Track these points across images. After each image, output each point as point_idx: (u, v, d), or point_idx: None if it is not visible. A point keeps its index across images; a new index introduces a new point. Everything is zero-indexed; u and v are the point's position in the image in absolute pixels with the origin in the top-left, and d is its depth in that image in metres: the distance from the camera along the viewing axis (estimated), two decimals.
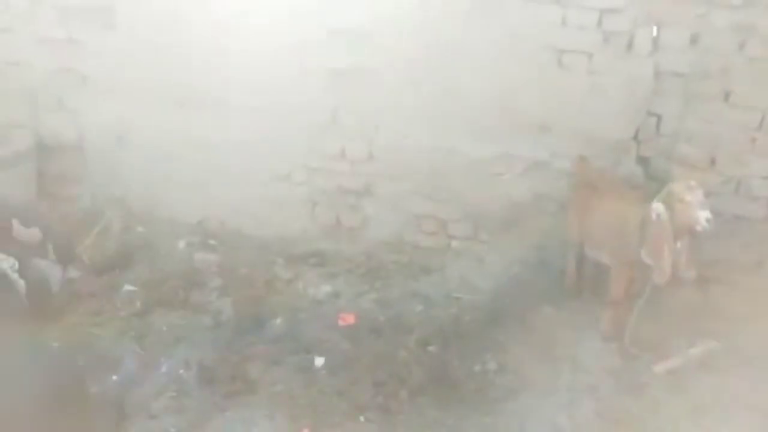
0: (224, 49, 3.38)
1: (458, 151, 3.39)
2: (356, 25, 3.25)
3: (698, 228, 2.38)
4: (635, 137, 3.26)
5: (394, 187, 3.53)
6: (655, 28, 3.00)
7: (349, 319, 2.95)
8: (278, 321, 3.02)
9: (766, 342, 2.82)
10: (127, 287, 3.22)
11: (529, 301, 3.20)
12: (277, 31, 3.30)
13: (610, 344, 2.90)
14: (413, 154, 3.44)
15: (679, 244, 2.51)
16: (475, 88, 3.25)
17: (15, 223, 2.72)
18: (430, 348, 2.89)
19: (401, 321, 3.04)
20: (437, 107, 3.34)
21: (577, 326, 3.04)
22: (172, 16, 3.41)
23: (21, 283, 2.63)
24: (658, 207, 2.43)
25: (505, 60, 3.18)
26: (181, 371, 2.67)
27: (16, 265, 2.63)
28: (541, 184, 3.36)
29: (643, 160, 3.32)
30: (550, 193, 3.37)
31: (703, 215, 2.34)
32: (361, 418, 2.54)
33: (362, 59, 3.32)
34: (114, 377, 2.63)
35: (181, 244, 3.61)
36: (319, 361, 2.77)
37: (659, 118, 3.21)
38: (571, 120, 3.23)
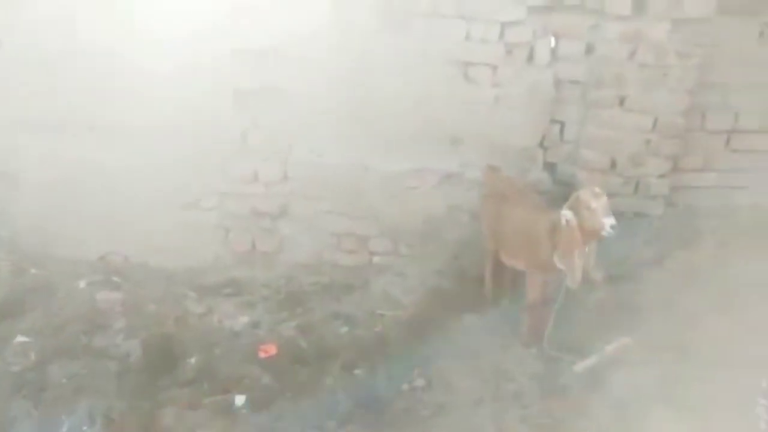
0: (123, 68, 3.15)
1: (373, 167, 3.36)
2: (264, 44, 3.14)
3: (603, 233, 2.46)
4: (541, 144, 3.37)
5: (311, 207, 3.45)
6: (552, 40, 3.11)
7: (269, 350, 2.82)
8: (192, 360, 2.84)
9: (673, 334, 2.98)
10: (20, 338, 2.92)
11: (452, 311, 3.21)
12: (181, 49, 3.11)
13: (531, 349, 2.96)
14: (328, 173, 3.37)
15: (587, 248, 2.59)
16: (387, 105, 3.23)
17: None
18: (357, 371, 2.82)
19: (325, 346, 2.95)
20: (350, 124, 3.29)
21: (498, 333, 3.08)
22: (61, 32, 3.10)
23: None
24: (567, 213, 2.50)
25: (415, 75, 3.19)
26: (85, 428, 2.44)
27: None
28: (455, 195, 3.40)
29: (549, 166, 3.44)
30: (463, 204, 3.41)
31: (608, 221, 2.43)
32: None
33: (272, 78, 3.21)
34: None
35: (82, 283, 3.33)
36: (240, 399, 2.63)
37: (562, 125, 3.33)
38: (479, 131, 3.28)
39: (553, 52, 3.13)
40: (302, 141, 3.35)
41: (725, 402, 2.52)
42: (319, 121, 3.28)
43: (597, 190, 2.51)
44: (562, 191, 3.48)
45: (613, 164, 3.27)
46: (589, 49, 3.12)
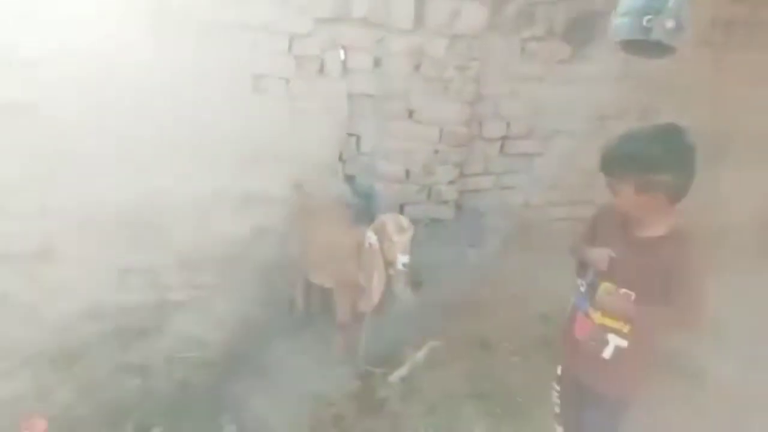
0: None
1: (164, 191, 2.97)
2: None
3: (398, 267, 2.42)
4: (340, 158, 3.34)
5: (83, 242, 2.92)
6: (342, 52, 3.09)
7: (36, 426, 2.27)
8: None
9: (474, 329, 3.18)
10: None
11: (264, 341, 3.01)
12: None
13: (346, 367, 2.90)
14: (105, 201, 2.89)
15: (392, 271, 2.53)
16: (176, 123, 2.89)
17: None
18: (155, 431, 2.44)
19: (113, 407, 2.50)
20: (130, 147, 2.86)
21: (315, 356, 2.97)
22: None
23: None
24: (371, 237, 2.46)
25: (205, 90, 2.90)
26: None
27: None
28: (259, 216, 3.18)
29: (349, 179, 3.43)
30: (269, 224, 3.22)
31: (402, 259, 2.39)
32: None
33: (28, 95, 2.64)
34: None
35: None
36: None
37: (358, 137, 3.34)
38: (279, 147, 3.12)
39: (344, 65, 3.11)
40: (68, 168, 2.81)
41: (528, 390, 2.76)
42: (90, 145, 2.79)
43: (404, 223, 2.47)
44: (364, 203, 3.52)
45: (408, 174, 3.39)
46: (377, 63, 3.17)
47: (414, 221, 3.43)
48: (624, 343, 1.78)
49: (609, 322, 1.79)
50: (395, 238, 2.41)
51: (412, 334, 3.09)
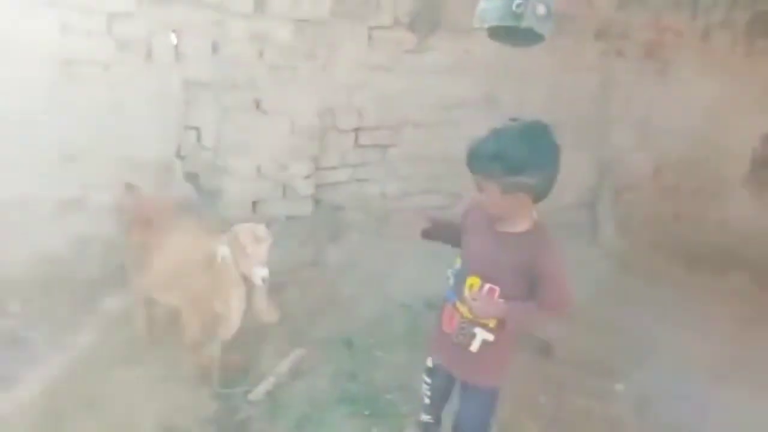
0: None
1: None
2: None
3: (255, 282, 2.18)
4: (178, 154, 2.98)
5: None
6: (173, 36, 2.74)
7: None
8: None
9: (341, 330, 3.06)
10: None
11: (96, 371, 2.58)
12: None
13: (201, 390, 2.60)
14: None
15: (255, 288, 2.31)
16: None
17: None
18: None
19: None
20: None
21: (163, 382, 2.62)
22: None
23: None
24: (222, 251, 2.18)
25: (5, 79, 2.39)
26: None
27: None
28: (80, 225, 2.73)
29: (192, 177, 3.09)
30: (93, 234, 2.77)
31: (260, 273, 2.14)
32: None
33: None
34: None
35: None
36: None
37: (198, 130, 3.01)
38: (100, 144, 2.70)
39: (176, 49, 2.76)
40: None
41: (395, 385, 2.70)
42: None
43: (260, 233, 2.19)
44: (211, 203, 3.20)
45: (259, 169, 3.14)
46: (215, 48, 2.87)
47: (269, 220, 3.25)
48: (491, 337, 1.77)
49: (476, 317, 1.76)
50: (250, 250, 2.15)
51: (272, 344, 2.88)
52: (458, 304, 1.80)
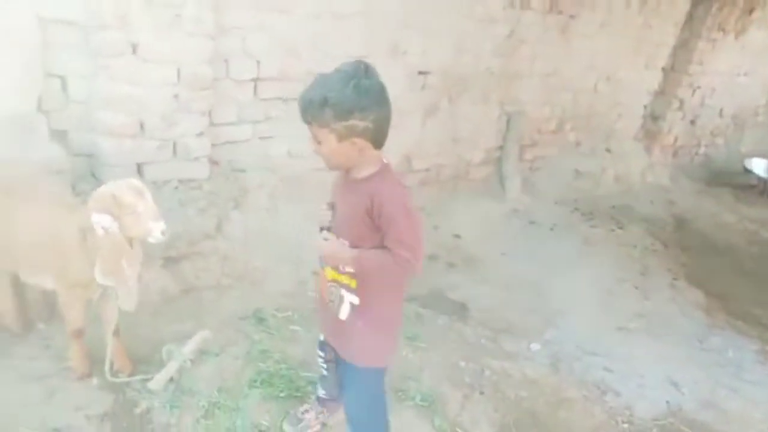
0: None
1: None
2: None
3: (151, 240, 1.91)
4: (40, 108, 2.48)
5: None
6: None
7: None
8: None
9: (246, 307, 2.76)
10: None
11: None
12: None
13: (90, 382, 2.23)
14: None
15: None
16: None
17: None
18: None
19: None
20: None
21: (42, 376, 2.22)
22: None
23: None
24: (103, 219, 1.81)
25: None
26: None
27: None
28: None
29: (59, 136, 2.60)
30: None
31: (158, 227, 1.88)
32: None
33: None
34: None
35: None
36: None
37: (63, 79, 2.52)
38: None
39: None
40: None
41: (313, 361, 2.47)
42: None
43: (138, 185, 1.88)
44: (87, 166, 2.73)
45: (142, 126, 2.70)
46: None
47: (159, 185, 2.84)
48: (356, 300, 1.71)
49: (339, 277, 1.71)
50: (140, 207, 1.84)
51: (173, 325, 2.53)
52: (324, 270, 1.77)
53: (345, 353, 1.83)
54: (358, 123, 1.49)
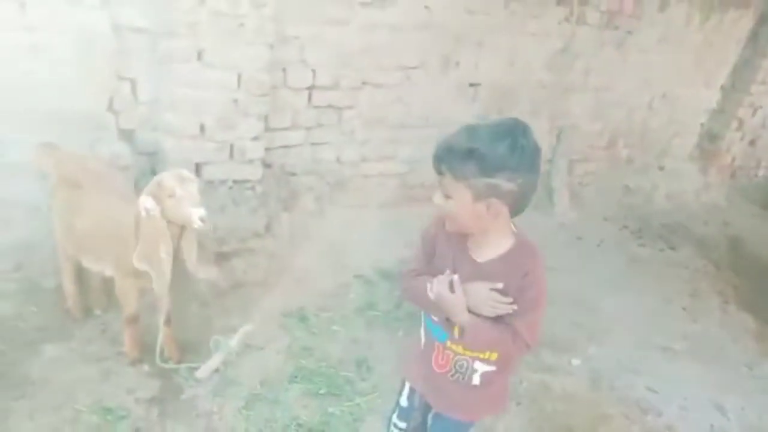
0: None
1: None
2: None
3: (194, 227, 2.00)
4: (110, 108, 2.67)
5: None
6: None
7: None
8: None
9: (290, 304, 2.86)
10: None
11: (27, 347, 2.32)
12: None
13: (142, 367, 2.37)
14: None
15: (183, 242, 2.10)
16: None
17: None
18: None
19: None
20: None
21: (97, 358, 2.38)
22: None
23: None
24: (146, 201, 1.94)
25: None
26: None
27: None
28: None
29: (126, 135, 2.79)
30: (14, 196, 2.45)
31: (197, 213, 1.96)
32: None
33: None
34: None
35: None
36: None
37: (133, 82, 2.70)
38: (13, 94, 2.34)
39: None
40: None
41: (353, 361, 2.54)
42: None
43: (184, 174, 2.01)
44: (149, 163, 2.90)
45: (202, 128, 2.86)
46: None
47: (215, 184, 2.98)
48: (493, 368, 1.56)
49: (479, 354, 1.55)
50: (178, 192, 1.94)
51: (221, 318, 2.66)
52: (448, 344, 1.57)
53: (446, 408, 1.68)
54: (504, 183, 1.30)
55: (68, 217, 2.26)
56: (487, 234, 1.42)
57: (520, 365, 2.81)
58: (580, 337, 3.21)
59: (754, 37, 5.41)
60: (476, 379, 1.57)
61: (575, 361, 2.99)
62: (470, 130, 1.34)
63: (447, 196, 1.38)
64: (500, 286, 1.41)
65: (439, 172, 1.37)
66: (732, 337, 3.50)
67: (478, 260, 1.45)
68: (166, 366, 2.36)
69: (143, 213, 1.94)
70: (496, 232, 1.42)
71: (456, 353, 1.56)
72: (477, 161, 1.30)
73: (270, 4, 2.77)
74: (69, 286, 2.48)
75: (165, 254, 2.02)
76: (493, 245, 1.43)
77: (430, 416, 1.78)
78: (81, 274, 2.47)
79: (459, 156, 1.32)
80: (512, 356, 1.52)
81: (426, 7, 3.49)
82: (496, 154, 1.29)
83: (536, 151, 1.34)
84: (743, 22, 5.32)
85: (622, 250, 4.43)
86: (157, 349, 2.32)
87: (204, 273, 2.20)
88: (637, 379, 2.93)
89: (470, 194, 1.33)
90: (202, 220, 1.96)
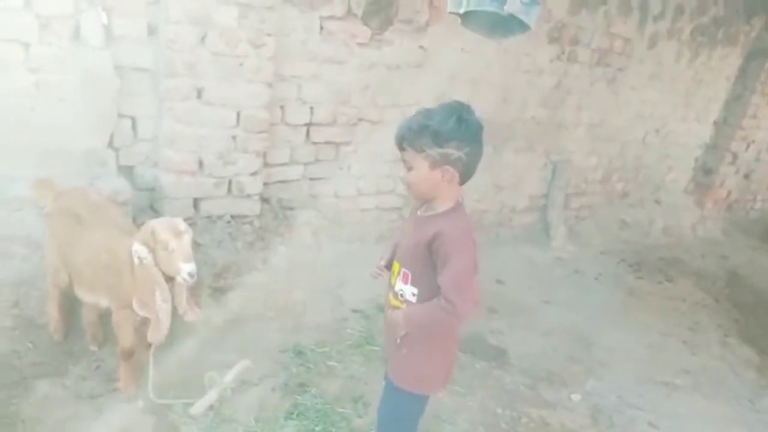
0: None
1: None
2: None
3: (179, 280, 2.02)
4: (111, 145, 2.72)
5: None
6: (104, 15, 2.49)
7: None
8: None
9: (286, 339, 2.85)
10: None
11: (19, 383, 2.29)
12: None
13: (136, 403, 2.34)
14: None
15: (173, 287, 2.11)
16: None
17: None
18: None
19: None
20: None
21: (89, 394, 2.35)
22: None
23: None
24: (139, 250, 1.96)
25: None
26: None
27: None
28: None
29: (126, 171, 2.83)
30: (14, 232, 2.47)
31: (186, 268, 1.97)
32: None
33: None
34: None
35: None
36: None
37: (134, 120, 2.76)
38: (20, 131, 2.39)
39: (108, 30, 2.51)
40: None
41: (349, 397, 2.51)
42: None
43: (179, 225, 2.01)
44: (148, 200, 2.93)
45: (201, 164, 2.90)
46: (152, 30, 2.63)
47: (213, 219, 3.01)
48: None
49: (400, 305, 1.77)
50: (172, 245, 1.95)
51: (216, 353, 2.64)
52: (390, 295, 1.82)
53: (389, 368, 1.90)
54: (454, 152, 1.56)
55: (64, 247, 2.28)
56: (436, 198, 1.67)
57: (518, 400, 2.79)
58: (578, 372, 3.18)
59: (742, 73, 5.55)
60: (398, 339, 1.77)
61: (575, 397, 2.95)
62: (424, 112, 1.62)
63: (409, 168, 1.65)
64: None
65: (402, 149, 1.64)
66: (733, 370, 3.47)
67: (419, 213, 1.72)
68: (160, 401, 2.33)
69: (136, 261, 1.95)
70: (443, 196, 1.66)
71: (388, 304, 1.82)
72: (431, 134, 1.57)
73: (269, 45, 2.86)
74: (53, 312, 2.48)
75: (162, 301, 2.02)
76: (437, 207, 1.68)
77: None
78: (75, 309, 2.46)
79: (416, 131, 1.59)
80: (444, 323, 1.67)
81: (421, 47, 3.59)
82: (446, 127, 1.56)
83: (479, 125, 1.60)
84: (731, 59, 5.46)
85: (619, 284, 4.43)
86: (149, 383, 2.30)
87: (192, 315, 2.19)
88: (638, 414, 2.89)
89: (427, 163, 1.59)
90: (191, 275, 1.96)
